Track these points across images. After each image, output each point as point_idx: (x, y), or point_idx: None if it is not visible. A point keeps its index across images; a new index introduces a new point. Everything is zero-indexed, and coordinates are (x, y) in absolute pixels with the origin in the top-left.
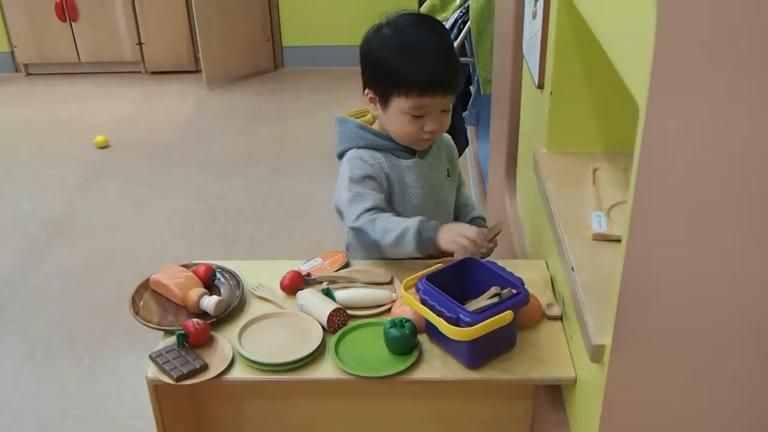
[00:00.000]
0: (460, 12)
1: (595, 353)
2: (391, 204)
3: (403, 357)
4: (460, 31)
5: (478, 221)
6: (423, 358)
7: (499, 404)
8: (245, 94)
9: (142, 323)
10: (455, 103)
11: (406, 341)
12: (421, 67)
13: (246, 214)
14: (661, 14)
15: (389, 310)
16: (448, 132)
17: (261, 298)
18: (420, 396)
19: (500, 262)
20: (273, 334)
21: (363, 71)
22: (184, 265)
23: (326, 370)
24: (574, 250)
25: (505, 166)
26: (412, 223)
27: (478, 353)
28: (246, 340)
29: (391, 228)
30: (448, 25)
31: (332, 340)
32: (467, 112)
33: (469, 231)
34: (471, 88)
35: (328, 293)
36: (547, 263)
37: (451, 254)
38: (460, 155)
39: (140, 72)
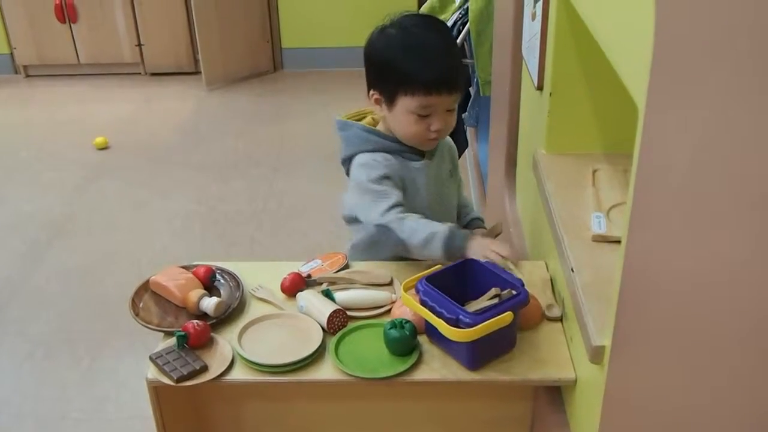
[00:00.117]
0: (460, 13)
1: (595, 354)
2: None
3: (403, 358)
4: (459, 33)
5: (476, 222)
6: (423, 359)
7: (499, 405)
8: (245, 95)
9: (142, 324)
10: None
11: (405, 342)
12: (428, 65)
13: (246, 216)
14: (659, 15)
15: (389, 311)
16: None
17: (261, 299)
18: (420, 397)
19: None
20: (273, 335)
21: (368, 72)
22: (183, 267)
23: (326, 371)
24: (574, 251)
25: (504, 167)
26: (441, 227)
27: (478, 354)
28: (246, 342)
29: (419, 229)
30: None
31: (332, 341)
32: (467, 113)
33: (502, 247)
34: (470, 89)
35: (327, 294)
36: (546, 264)
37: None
38: (459, 156)
39: (140, 73)
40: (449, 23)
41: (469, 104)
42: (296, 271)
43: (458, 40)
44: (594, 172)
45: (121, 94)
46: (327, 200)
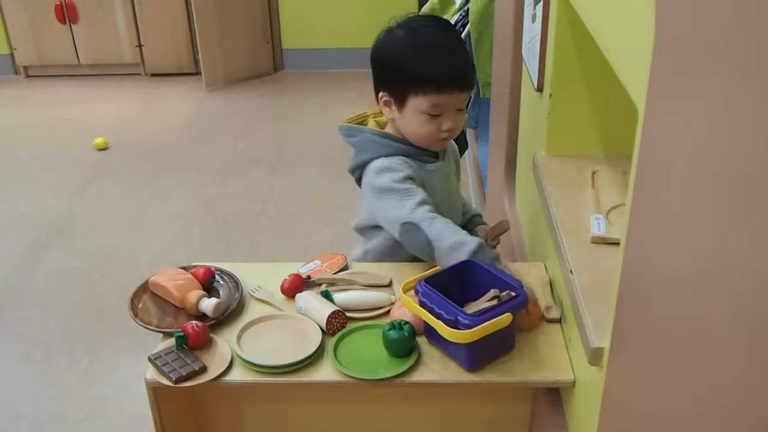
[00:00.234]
0: (460, 15)
1: (594, 356)
2: None
3: (402, 359)
4: (459, 34)
5: (477, 219)
6: (422, 360)
7: (497, 406)
8: (245, 96)
9: (141, 325)
10: None
11: (404, 343)
12: (438, 64)
13: (245, 216)
14: (659, 17)
15: (388, 312)
16: None
17: (260, 300)
18: (419, 398)
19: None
20: (272, 336)
21: (376, 74)
22: (183, 267)
23: (325, 372)
24: (573, 252)
25: (504, 168)
26: (471, 240)
27: (477, 356)
28: (245, 342)
29: (448, 234)
30: None
31: (331, 342)
32: (466, 114)
33: (530, 290)
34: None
35: (327, 295)
36: (545, 266)
37: None
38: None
39: (140, 74)
40: None
41: (469, 105)
42: (296, 272)
43: None
44: (593, 173)
45: (121, 95)
46: (327, 201)
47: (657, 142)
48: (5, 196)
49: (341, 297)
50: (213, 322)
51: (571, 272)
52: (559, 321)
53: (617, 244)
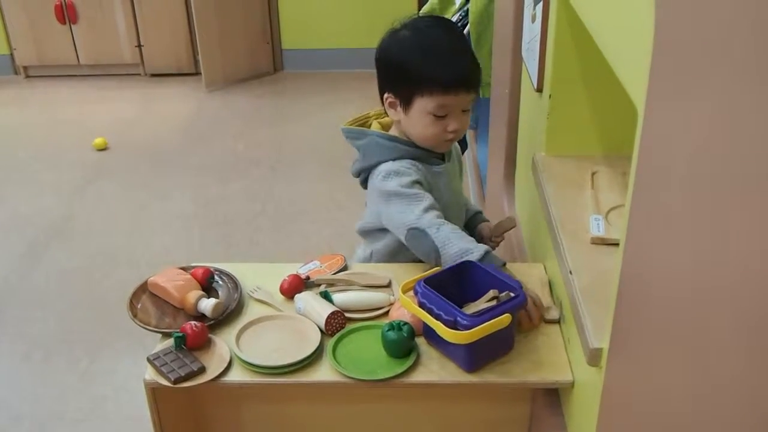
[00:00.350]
0: (460, 15)
1: (593, 357)
2: None
3: (401, 360)
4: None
5: (479, 217)
6: (420, 361)
7: (496, 407)
8: (245, 96)
9: (140, 326)
10: None
11: (403, 344)
12: (445, 64)
13: (244, 217)
14: (659, 18)
15: (387, 313)
16: None
17: (259, 300)
18: (418, 399)
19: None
20: (271, 336)
21: (382, 75)
22: (182, 268)
23: (324, 373)
24: (572, 253)
25: (503, 169)
26: (478, 247)
27: (476, 356)
28: (244, 343)
29: (455, 241)
30: None
31: (330, 343)
32: None
33: (536, 295)
34: None
35: (326, 296)
36: (545, 266)
37: None
38: None
39: (140, 74)
40: None
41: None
42: (295, 272)
43: None
44: (593, 174)
45: (121, 95)
46: (326, 202)
47: (656, 142)
48: (5, 196)
49: (340, 297)
50: (212, 322)
51: (571, 273)
52: (558, 322)
53: (617, 244)
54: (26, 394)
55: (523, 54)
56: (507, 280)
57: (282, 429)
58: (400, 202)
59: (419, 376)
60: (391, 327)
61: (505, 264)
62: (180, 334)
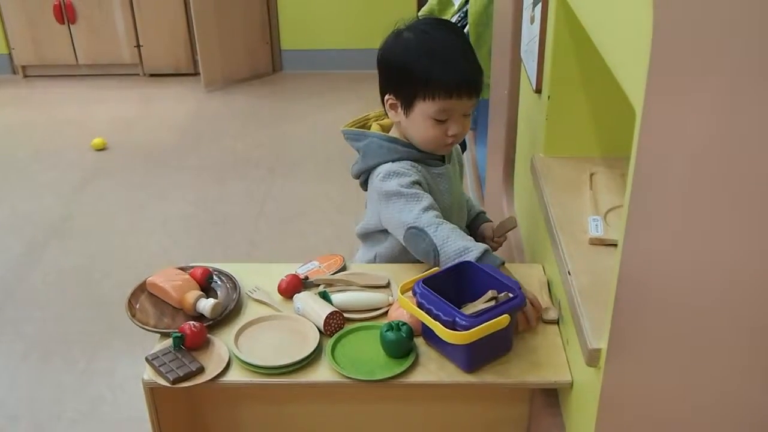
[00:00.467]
0: (459, 16)
1: (591, 357)
2: None
3: (400, 360)
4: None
5: (482, 217)
6: (419, 361)
7: (495, 407)
8: (244, 97)
9: (139, 326)
10: None
11: (402, 344)
12: (448, 69)
13: (243, 217)
14: (657, 19)
15: (386, 313)
16: None
17: (258, 300)
18: (416, 399)
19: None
20: (269, 337)
21: (384, 77)
22: (180, 268)
23: (323, 373)
24: (571, 254)
25: (502, 170)
26: (477, 246)
27: (475, 357)
28: (242, 343)
29: (454, 239)
30: None
31: (329, 343)
32: None
33: (534, 297)
34: None
35: (324, 296)
36: (543, 267)
37: None
38: None
39: (138, 74)
40: None
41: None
42: (294, 272)
43: None
44: (591, 175)
45: (120, 95)
46: (325, 202)
47: (654, 143)
48: (3, 195)
49: (339, 298)
50: (210, 322)
51: (569, 273)
52: (556, 322)
53: (615, 245)
54: (24, 394)
55: (522, 55)
56: (505, 280)
57: (281, 429)
58: (399, 201)
59: (418, 377)
60: (390, 327)
61: (503, 263)
62: (179, 334)
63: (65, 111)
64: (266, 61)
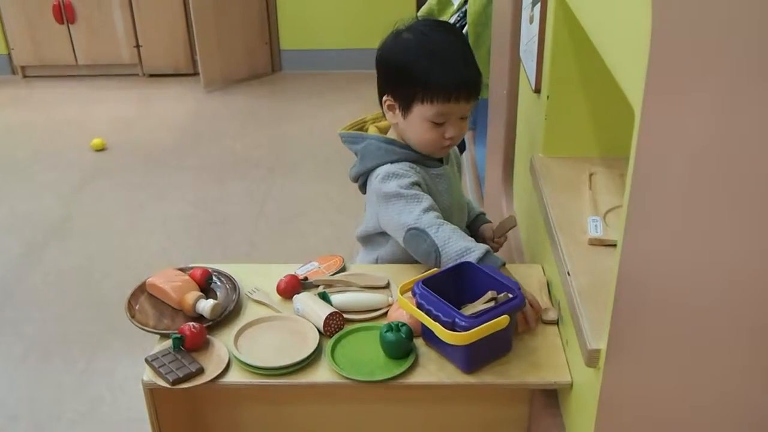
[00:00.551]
0: (458, 16)
1: (591, 358)
2: None
3: (399, 361)
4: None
5: (481, 218)
6: (419, 362)
7: (495, 408)
8: (243, 97)
9: (138, 326)
10: None
11: (402, 345)
12: (447, 72)
13: (243, 218)
14: (656, 19)
15: (385, 314)
16: None
17: (257, 301)
18: (416, 400)
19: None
20: (269, 337)
21: (382, 78)
22: (180, 269)
23: (322, 374)
24: (570, 254)
25: (502, 170)
26: (478, 246)
27: (474, 357)
28: (242, 344)
29: (456, 240)
30: None
31: (328, 344)
32: None
33: (533, 298)
34: None
35: (324, 297)
36: (543, 267)
37: None
38: None
39: (138, 75)
40: None
41: None
42: (293, 273)
43: None
44: (591, 175)
45: (119, 96)
46: (324, 202)
47: (653, 143)
48: (3, 196)
49: (339, 298)
50: (210, 323)
51: (569, 274)
52: (556, 323)
53: (614, 245)
54: (23, 395)
55: (521, 55)
56: (505, 281)
57: (280, 430)
58: (399, 203)
59: (418, 377)
60: (390, 328)
61: (504, 264)
62: (178, 335)
63: (65, 111)
64: (265, 61)
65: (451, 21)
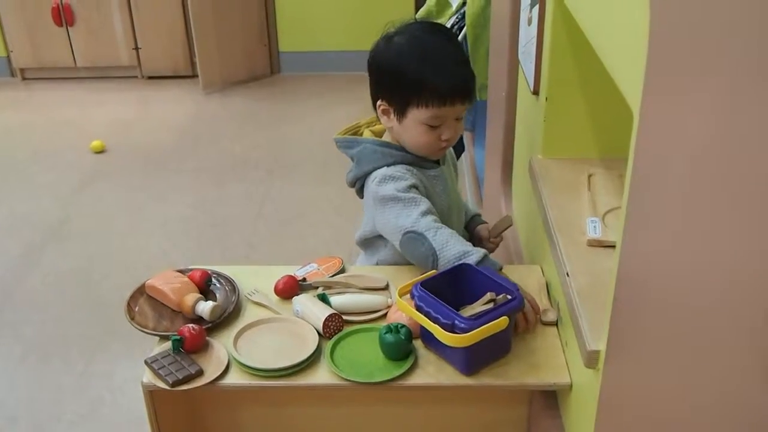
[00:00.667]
0: (457, 17)
1: (590, 359)
2: None
3: (399, 362)
4: (459, 41)
5: (477, 219)
6: (418, 363)
7: (494, 410)
8: (242, 99)
9: (138, 328)
10: None
11: (401, 347)
12: (442, 75)
13: (242, 219)
14: (654, 21)
15: (385, 315)
16: None
17: (256, 303)
18: (415, 401)
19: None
20: (268, 339)
21: (375, 82)
22: (179, 270)
23: (322, 375)
24: (569, 255)
25: (501, 171)
26: (476, 249)
27: (474, 359)
28: (241, 346)
29: (453, 244)
30: None
31: (328, 345)
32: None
33: (532, 299)
34: None
35: (323, 299)
36: (542, 268)
37: None
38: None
39: (137, 77)
40: None
41: None
42: (291, 274)
43: None
44: (590, 176)
45: (118, 98)
46: (324, 204)
47: (652, 144)
48: (2, 198)
49: (338, 300)
50: (209, 325)
51: (568, 275)
52: (555, 324)
53: (613, 246)
54: (23, 396)
55: (520, 57)
56: (503, 282)
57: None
58: (396, 206)
59: (417, 379)
60: (389, 329)
61: (501, 268)
62: (178, 337)
63: (64, 113)
64: (264, 63)
65: (450, 22)
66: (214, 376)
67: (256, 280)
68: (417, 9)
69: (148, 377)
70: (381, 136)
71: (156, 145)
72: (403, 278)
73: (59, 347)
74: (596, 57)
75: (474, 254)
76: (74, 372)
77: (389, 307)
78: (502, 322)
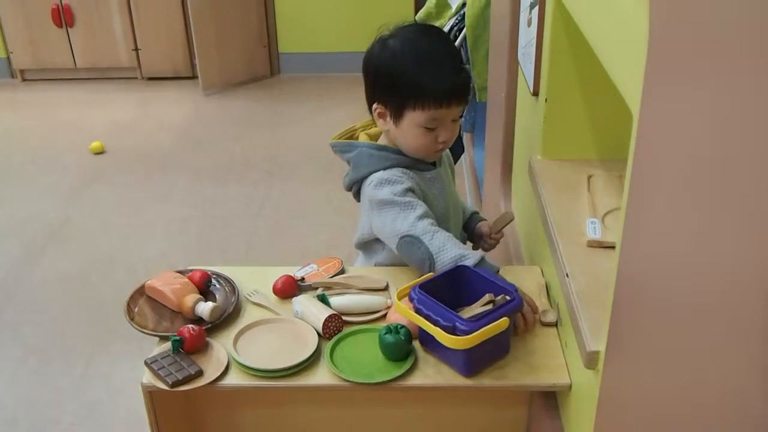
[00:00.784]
0: (456, 19)
1: (590, 360)
2: None
3: (398, 363)
4: (455, 38)
5: (476, 217)
6: (418, 364)
7: (494, 411)
8: (241, 100)
9: (137, 329)
10: None
11: (401, 347)
12: (438, 78)
13: (242, 220)
14: (653, 22)
15: (384, 316)
16: None
17: (256, 304)
18: (415, 402)
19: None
20: (268, 340)
21: (371, 85)
22: (179, 271)
23: (321, 376)
24: (569, 256)
25: (500, 172)
26: (473, 253)
27: (474, 361)
28: (241, 346)
29: (450, 247)
30: None
31: (327, 346)
32: (462, 118)
33: (531, 299)
34: None
35: (323, 299)
36: (542, 269)
37: None
38: (456, 162)
39: (136, 78)
40: (445, 28)
41: (465, 109)
42: (290, 275)
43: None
44: (589, 177)
45: (118, 99)
46: (323, 205)
47: (651, 145)
48: (2, 199)
49: (338, 301)
50: (209, 326)
51: (567, 276)
52: (555, 325)
53: (613, 247)
54: (22, 398)
55: (520, 58)
56: (502, 283)
57: None
58: (393, 210)
59: (417, 380)
60: (389, 330)
61: (498, 270)
62: (177, 338)
63: (63, 114)
64: (264, 64)
65: (450, 24)
66: (214, 377)
67: (256, 281)
68: (416, 10)
69: (147, 378)
70: (377, 140)
71: (156, 147)
72: (403, 279)
73: (59, 348)
74: (596, 58)
75: (471, 257)
76: (74, 373)
77: (389, 307)
78: (503, 323)
